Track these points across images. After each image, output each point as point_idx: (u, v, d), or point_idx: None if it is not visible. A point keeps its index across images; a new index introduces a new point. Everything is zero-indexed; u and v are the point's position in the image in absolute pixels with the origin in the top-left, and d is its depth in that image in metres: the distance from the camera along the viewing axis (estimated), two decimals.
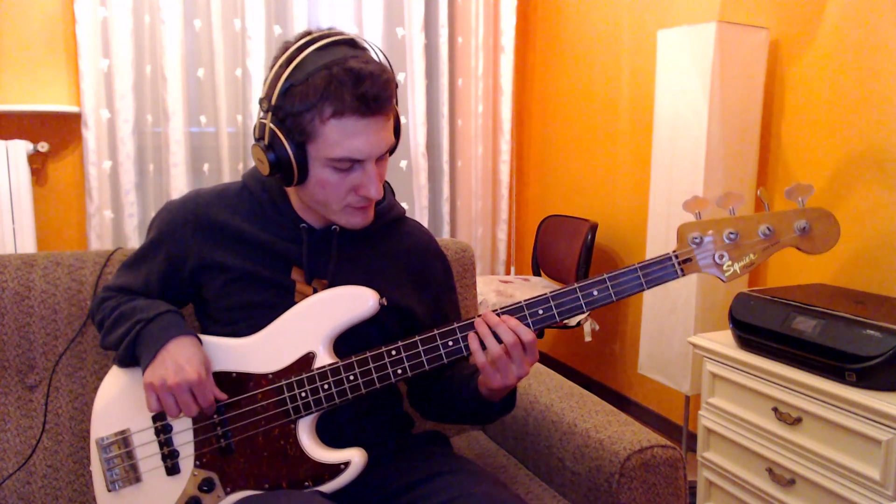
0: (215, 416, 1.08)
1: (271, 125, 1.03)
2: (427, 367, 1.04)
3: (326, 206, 1.08)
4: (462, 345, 1.03)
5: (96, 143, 2.76)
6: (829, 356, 1.53)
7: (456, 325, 1.03)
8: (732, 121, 2.10)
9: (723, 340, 1.83)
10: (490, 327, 1.00)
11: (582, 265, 2.77)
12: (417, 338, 1.04)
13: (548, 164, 3.49)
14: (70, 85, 2.78)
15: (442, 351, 1.03)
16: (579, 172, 3.23)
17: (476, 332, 1.01)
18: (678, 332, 2.20)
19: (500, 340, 0.99)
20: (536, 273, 3.24)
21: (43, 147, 2.73)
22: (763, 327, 1.69)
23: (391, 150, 1.10)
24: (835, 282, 2.01)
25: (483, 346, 1.01)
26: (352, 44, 1.04)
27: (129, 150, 2.80)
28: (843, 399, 1.48)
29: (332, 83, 0.98)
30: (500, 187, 3.46)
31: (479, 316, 1.02)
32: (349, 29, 3.11)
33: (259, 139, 1.05)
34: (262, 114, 1.05)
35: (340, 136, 1.00)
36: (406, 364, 1.04)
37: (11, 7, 2.68)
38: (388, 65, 1.06)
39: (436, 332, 1.04)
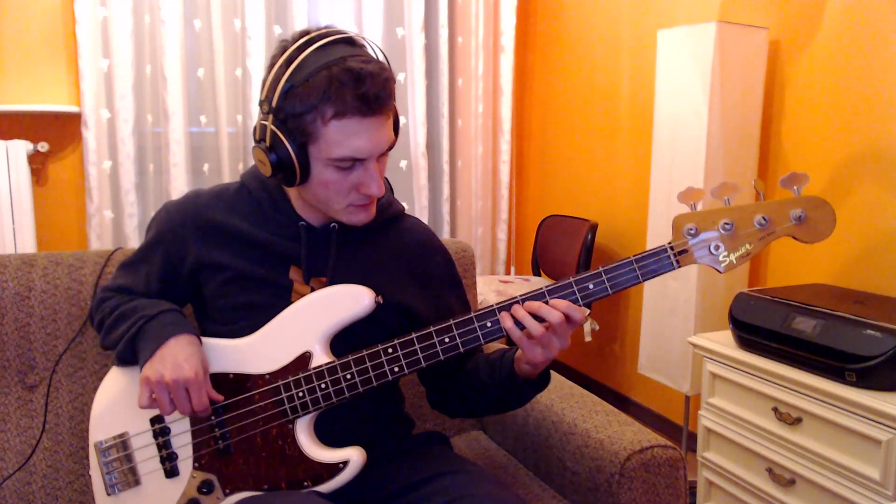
0: (213, 418, 1.07)
1: (272, 127, 1.03)
2: (423, 364, 1.03)
3: (329, 205, 1.08)
4: (459, 341, 1.02)
5: (96, 143, 2.76)
6: (829, 356, 1.52)
7: (452, 321, 1.03)
8: (732, 121, 2.10)
9: (723, 340, 1.83)
10: (531, 312, 0.99)
11: (582, 265, 2.77)
12: (413, 335, 1.04)
13: (548, 164, 3.49)
14: (70, 85, 2.78)
15: (438, 348, 1.03)
16: (579, 172, 3.23)
17: (511, 315, 1.00)
18: (678, 332, 2.19)
19: (541, 320, 0.98)
20: (536, 273, 3.24)
21: (43, 147, 2.73)
22: (763, 327, 1.69)
23: (390, 147, 1.10)
24: (835, 282, 2.01)
25: (521, 326, 1.00)
26: (349, 42, 1.04)
27: (129, 150, 2.81)
28: (843, 399, 1.48)
29: (333, 84, 0.98)
30: (500, 187, 3.46)
31: (518, 302, 1.00)
32: (349, 29, 3.11)
33: (260, 141, 1.05)
34: (262, 115, 1.04)
35: (342, 136, 1.00)
36: (403, 362, 1.04)
37: (11, 7, 2.68)
38: (386, 62, 1.06)
39: (432, 329, 1.03)
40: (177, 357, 1.03)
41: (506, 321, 1.00)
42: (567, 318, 0.98)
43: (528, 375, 1.07)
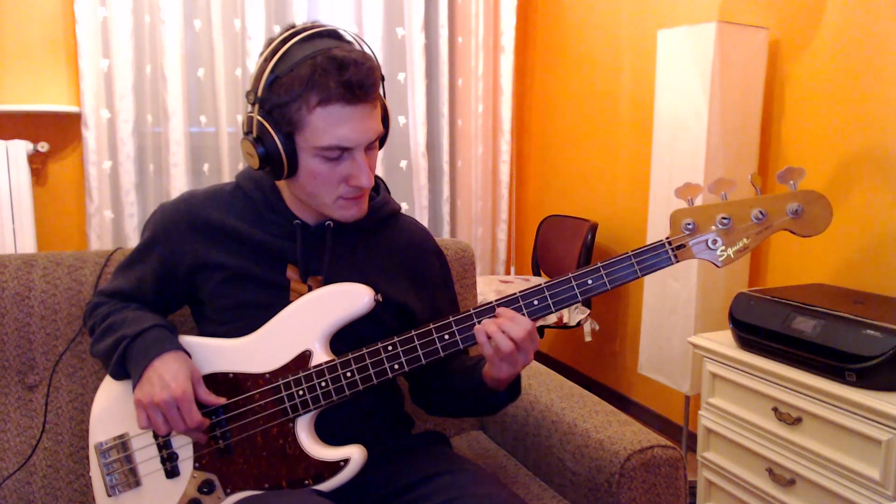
0: (213, 417, 1.07)
1: (258, 118, 1.04)
2: (423, 361, 1.03)
3: (318, 199, 1.08)
4: (458, 338, 1.03)
5: (96, 143, 2.76)
6: (829, 356, 1.53)
7: (451, 318, 1.03)
8: (732, 121, 2.10)
9: (723, 340, 1.83)
10: (499, 326, 0.99)
11: (582, 265, 2.77)
12: (413, 332, 1.04)
13: (548, 164, 3.49)
14: (70, 85, 2.78)
15: (438, 345, 1.03)
16: (579, 172, 3.23)
17: (484, 329, 1.00)
18: (678, 332, 2.19)
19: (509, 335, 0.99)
20: (536, 273, 3.24)
21: (43, 147, 2.74)
22: (763, 327, 1.69)
23: (381, 141, 1.11)
24: (835, 282, 2.01)
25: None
26: (335, 35, 1.05)
27: (129, 150, 2.81)
28: (843, 399, 1.48)
29: (317, 71, 0.99)
30: (500, 187, 3.46)
31: (491, 316, 1.01)
32: (349, 29, 3.12)
33: (248, 133, 1.06)
34: (249, 107, 1.05)
35: (327, 123, 1.01)
36: (402, 359, 1.04)
37: (11, 7, 2.68)
38: (373, 57, 1.06)
39: (432, 326, 1.03)
40: (163, 376, 1.03)
41: (480, 336, 1.00)
42: (528, 333, 0.99)
43: (497, 388, 1.09)
